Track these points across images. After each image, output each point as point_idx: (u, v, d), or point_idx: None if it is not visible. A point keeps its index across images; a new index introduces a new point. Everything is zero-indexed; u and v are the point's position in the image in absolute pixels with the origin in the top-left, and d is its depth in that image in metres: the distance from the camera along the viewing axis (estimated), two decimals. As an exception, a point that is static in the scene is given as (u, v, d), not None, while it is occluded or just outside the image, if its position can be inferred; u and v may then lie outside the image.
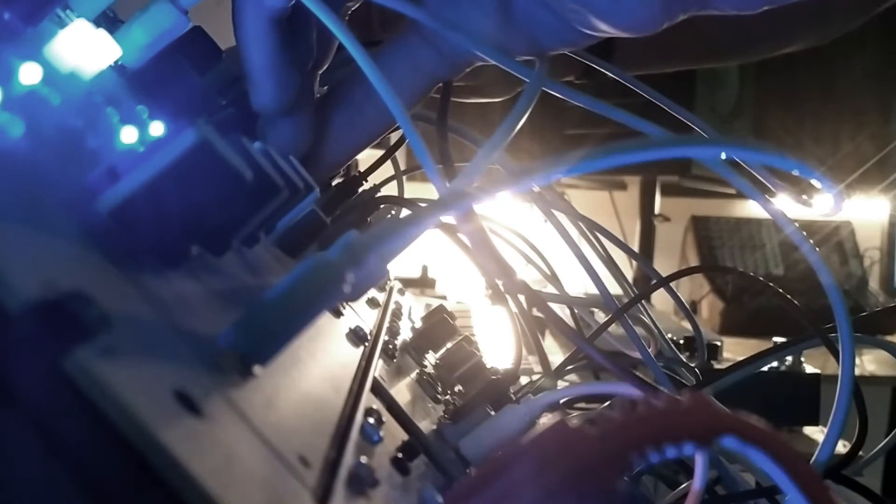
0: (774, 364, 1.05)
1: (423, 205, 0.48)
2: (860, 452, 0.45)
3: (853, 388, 0.37)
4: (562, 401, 0.43)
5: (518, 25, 0.41)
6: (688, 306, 0.67)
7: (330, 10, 0.36)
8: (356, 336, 0.35)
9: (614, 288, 0.57)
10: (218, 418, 0.17)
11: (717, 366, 1.10)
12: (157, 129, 0.29)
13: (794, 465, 0.19)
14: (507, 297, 0.48)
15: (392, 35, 0.44)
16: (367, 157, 0.53)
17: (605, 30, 0.39)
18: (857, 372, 0.39)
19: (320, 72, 0.43)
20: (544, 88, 0.41)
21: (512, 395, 0.41)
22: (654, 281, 0.59)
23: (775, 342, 0.76)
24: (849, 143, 1.83)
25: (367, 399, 0.29)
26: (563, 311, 0.65)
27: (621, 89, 0.49)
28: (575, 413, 0.54)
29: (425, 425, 0.35)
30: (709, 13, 0.38)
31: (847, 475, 0.45)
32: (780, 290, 0.53)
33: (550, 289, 0.65)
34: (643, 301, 0.59)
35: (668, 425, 0.19)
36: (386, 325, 0.44)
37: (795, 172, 0.27)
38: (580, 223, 0.58)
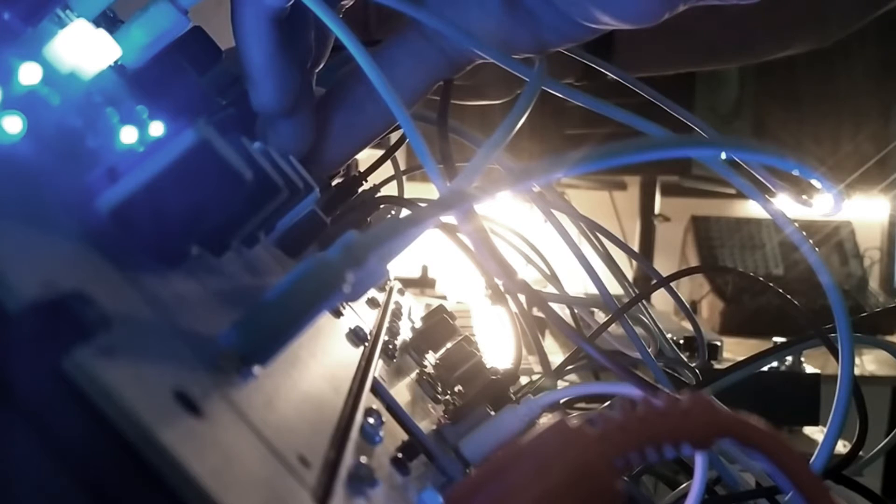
0: (774, 364, 1.05)
1: (423, 205, 0.48)
2: (860, 452, 0.45)
3: (853, 388, 0.37)
4: (562, 401, 0.43)
5: (519, 21, 0.41)
6: (688, 306, 0.67)
7: (330, 9, 0.36)
8: (356, 336, 0.35)
9: (614, 288, 0.57)
10: (218, 418, 0.17)
11: (717, 366, 1.10)
12: (156, 129, 0.29)
13: (792, 467, 0.19)
14: (507, 296, 0.47)
15: (390, 34, 0.44)
16: (367, 157, 0.53)
17: (607, 21, 0.38)
18: (857, 372, 0.39)
19: (318, 70, 0.43)
20: (544, 88, 0.41)
21: (512, 395, 0.41)
22: (655, 281, 0.59)
23: (775, 342, 0.76)
24: (849, 143, 1.83)
25: (367, 399, 0.29)
26: (562, 311, 0.65)
27: (621, 89, 0.49)
28: (575, 413, 0.54)
29: (425, 425, 0.35)
30: (710, 3, 0.38)
31: (847, 475, 0.45)
32: (780, 290, 0.53)
33: (550, 289, 0.64)
34: (643, 301, 0.59)
35: (668, 426, 0.19)
36: (386, 325, 0.44)
37: (795, 172, 0.27)
38: (580, 223, 0.58)
